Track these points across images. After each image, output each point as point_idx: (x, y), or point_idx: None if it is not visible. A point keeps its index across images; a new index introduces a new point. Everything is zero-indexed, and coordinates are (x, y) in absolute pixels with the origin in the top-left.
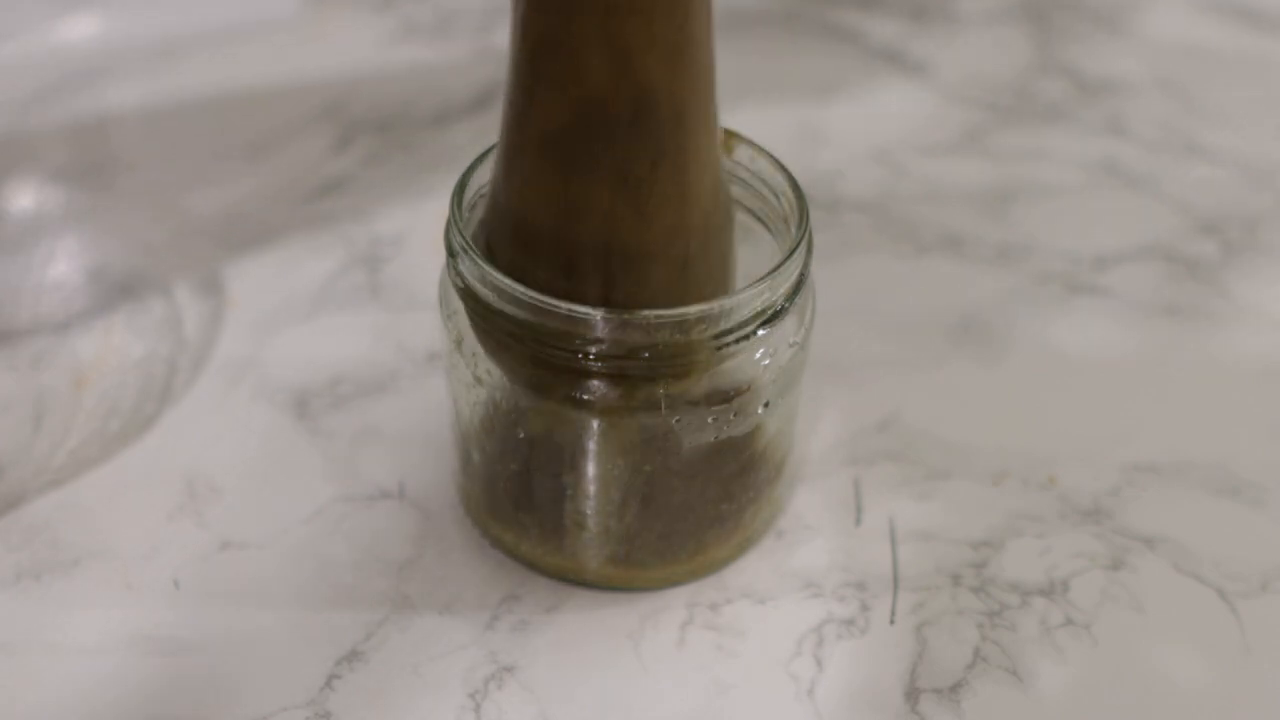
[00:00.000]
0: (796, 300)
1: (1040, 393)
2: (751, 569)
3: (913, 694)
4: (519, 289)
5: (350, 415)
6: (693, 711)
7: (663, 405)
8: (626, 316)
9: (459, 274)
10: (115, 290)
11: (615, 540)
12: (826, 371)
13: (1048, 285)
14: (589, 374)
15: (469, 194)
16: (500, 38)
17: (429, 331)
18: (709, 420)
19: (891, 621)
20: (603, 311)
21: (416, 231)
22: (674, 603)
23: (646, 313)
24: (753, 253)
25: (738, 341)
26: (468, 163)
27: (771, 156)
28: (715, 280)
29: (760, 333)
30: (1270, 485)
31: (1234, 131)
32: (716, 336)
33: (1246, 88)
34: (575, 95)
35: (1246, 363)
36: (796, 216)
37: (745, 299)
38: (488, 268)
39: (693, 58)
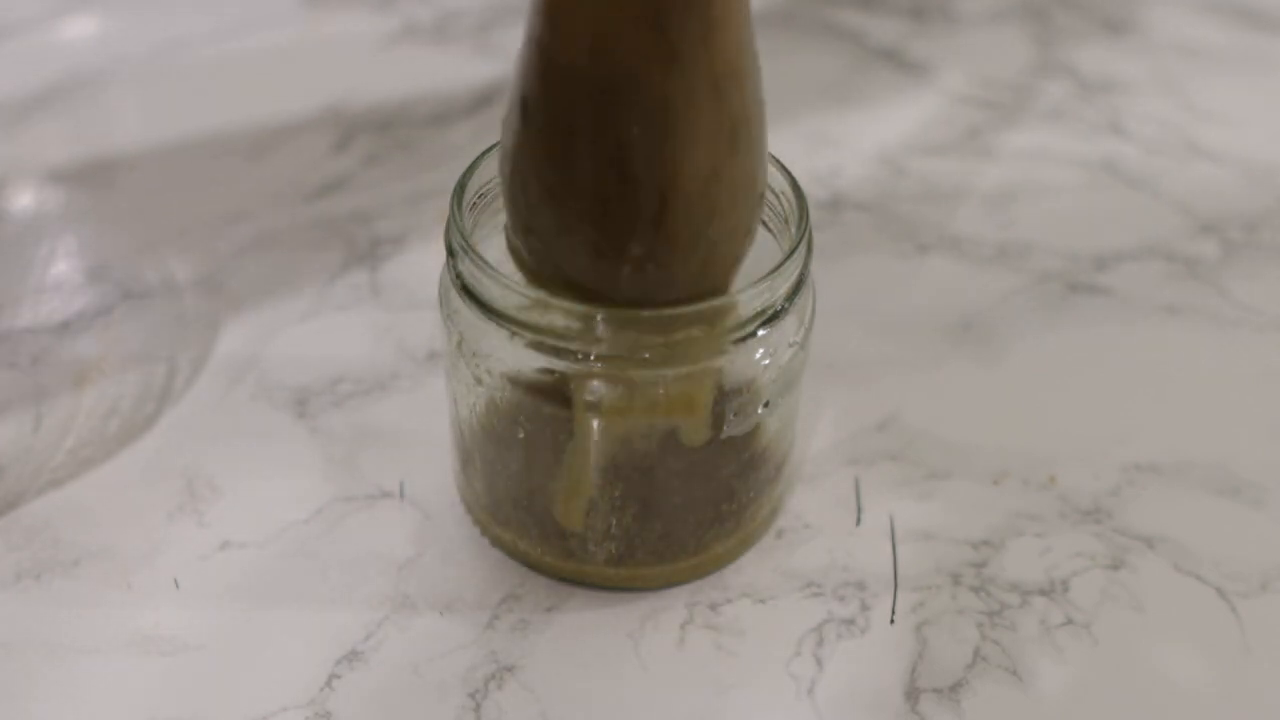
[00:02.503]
0: (796, 300)
1: (1040, 393)
2: (751, 568)
3: (913, 694)
4: (520, 287)
5: (350, 415)
6: (693, 711)
7: (664, 406)
8: (626, 316)
9: (459, 274)
10: (115, 290)
11: (615, 540)
12: (826, 371)
13: (1048, 285)
14: (589, 374)
15: (469, 194)
16: (500, 38)
17: (429, 331)
18: (709, 420)
19: (891, 621)
20: (603, 311)
21: (416, 231)
22: (674, 603)
23: (647, 312)
24: (753, 253)
25: (738, 341)
26: (468, 163)
27: (772, 157)
28: (758, 164)
29: (760, 333)
30: (1270, 485)
31: (1234, 131)
32: (717, 336)
33: (1246, 88)
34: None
35: (1246, 363)
36: (796, 216)
37: (745, 299)
38: (488, 267)
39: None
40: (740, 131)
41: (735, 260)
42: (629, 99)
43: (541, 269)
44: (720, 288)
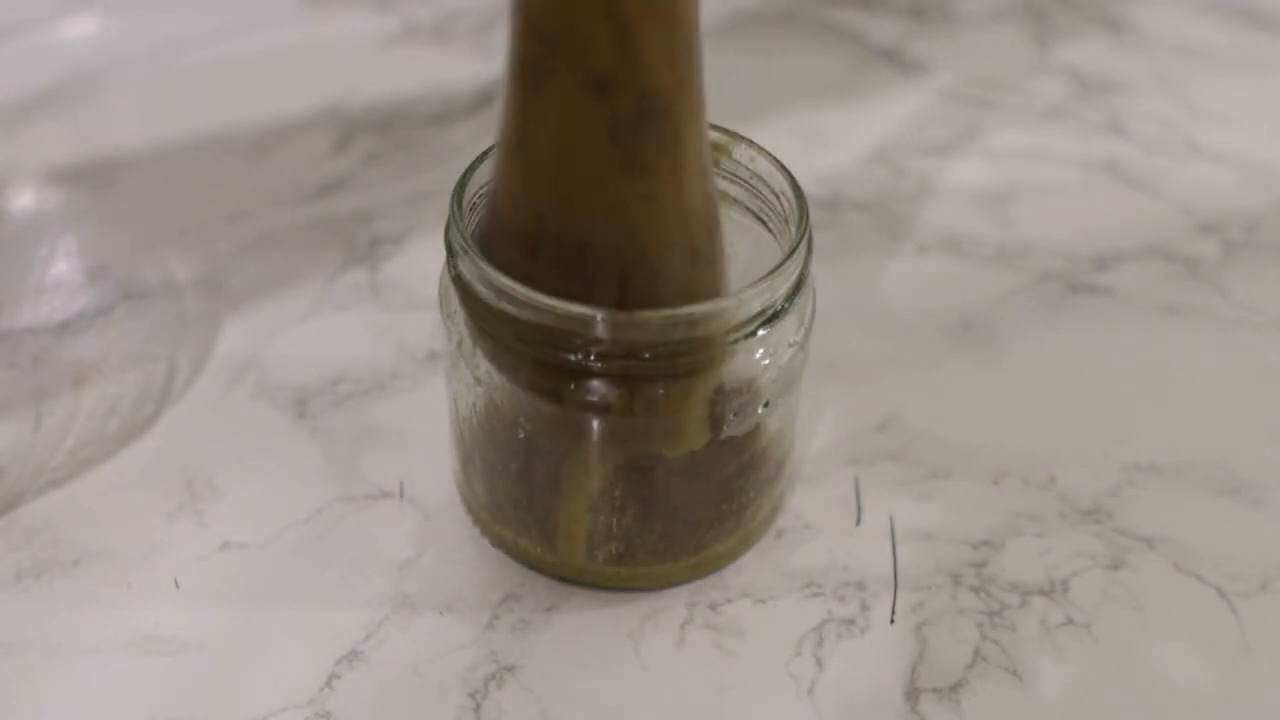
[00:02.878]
0: (796, 300)
1: (1040, 393)
2: (751, 568)
3: (913, 694)
4: (519, 289)
5: (350, 415)
6: (693, 711)
7: (663, 406)
8: (626, 316)
9: (459, 274)
10: (115, 290)
11: (615, 540)
12: (826, 371)
13: (1048, 285)
14: (589, 374)
15: (469, 194)
16: (500, 37)
17: (429, 331)
18: (709, 420)
19: (891, 621)
20: (602, 311)
21: (416, 231)
22: (674, 602)
23: (646, 313)
24: (753, 253)
25: (738, 341)
26: (468, 163)
27: (771, 156)
28: (719, 274)
29: (760, 333)
30: (1270, 485)
31: (1234, 131)
32: (717, 336)
33: (1246, 88)
34: (582, 82)
35: (1246, 363)
36: (796, 216)
37: (745, 299)
38: (488, 268)
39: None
40: (700, 250)
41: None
42: (588, 219)
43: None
44: (721, 284)
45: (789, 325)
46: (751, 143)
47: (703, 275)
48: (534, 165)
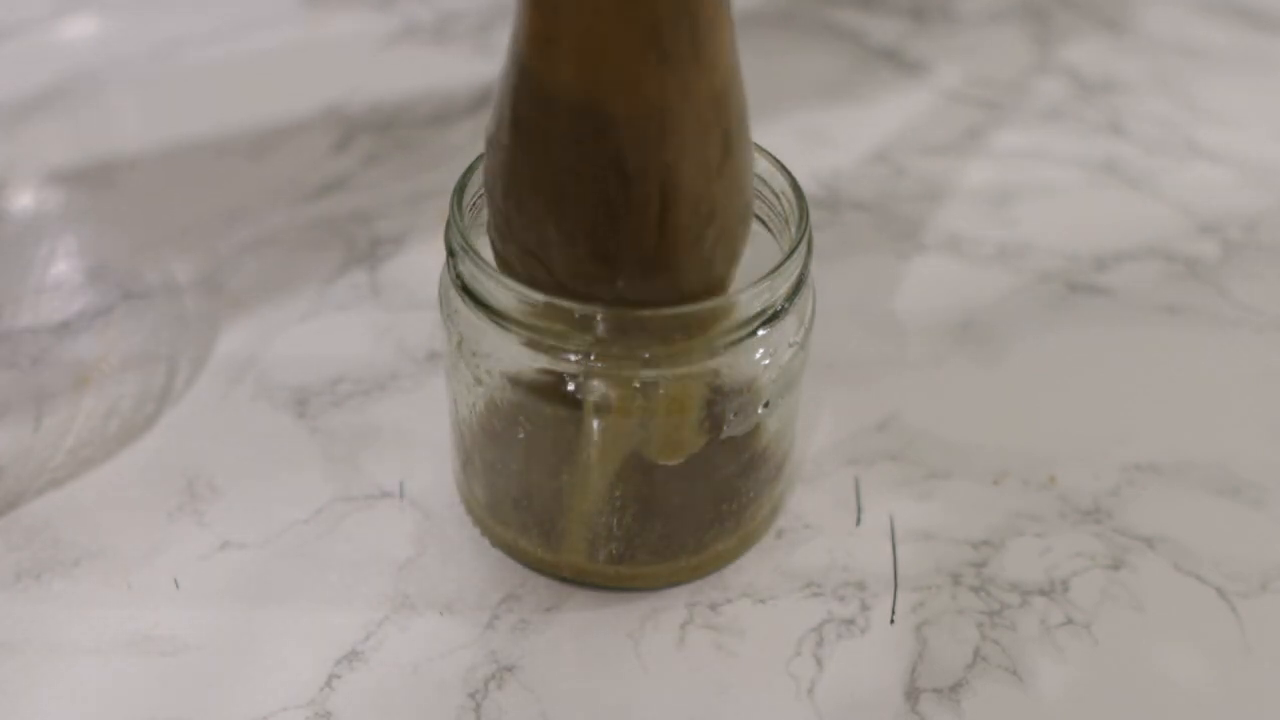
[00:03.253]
0: (796, 300)
1: (1040, 393)
2: (751, 568)
3: (913, 694)
4: (519, 288)
5: (350, 415)
6: (693, 711)
7: (663, 405)
8: (626, 316)
9: (459, 274)
10: (115, 290)
11: (615, 540)
12: (826, 371)
13: (1048, 285)
14: (589, 374)
15: (469, 194)
16: (500, 38)
17: (429, 331)
18: (709, 420)
19: (891, 621)
20: (603, 311)
21: (416, 231)
22: (674, 602)
23: (647, 313)
24: (753, 253)
25: (737, 342)
26: (468, 163)
27: (771, 156)
28: (748, 161)
29: (760, 333)
30: (1270, 485)
31: (1234, 131)
32: (717, 336)
33: (1246, 88)
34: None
35: (1246, 363)
36: (796, 216)
37: (745, 299)
38: (488, 267)
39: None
40: (733, 135)
41: (732, 262)
42: (625, 113)
43: (535, 280)
44: (719, 289)
45: (789, 325)
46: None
47: (734, 162)
48: (567, 57)
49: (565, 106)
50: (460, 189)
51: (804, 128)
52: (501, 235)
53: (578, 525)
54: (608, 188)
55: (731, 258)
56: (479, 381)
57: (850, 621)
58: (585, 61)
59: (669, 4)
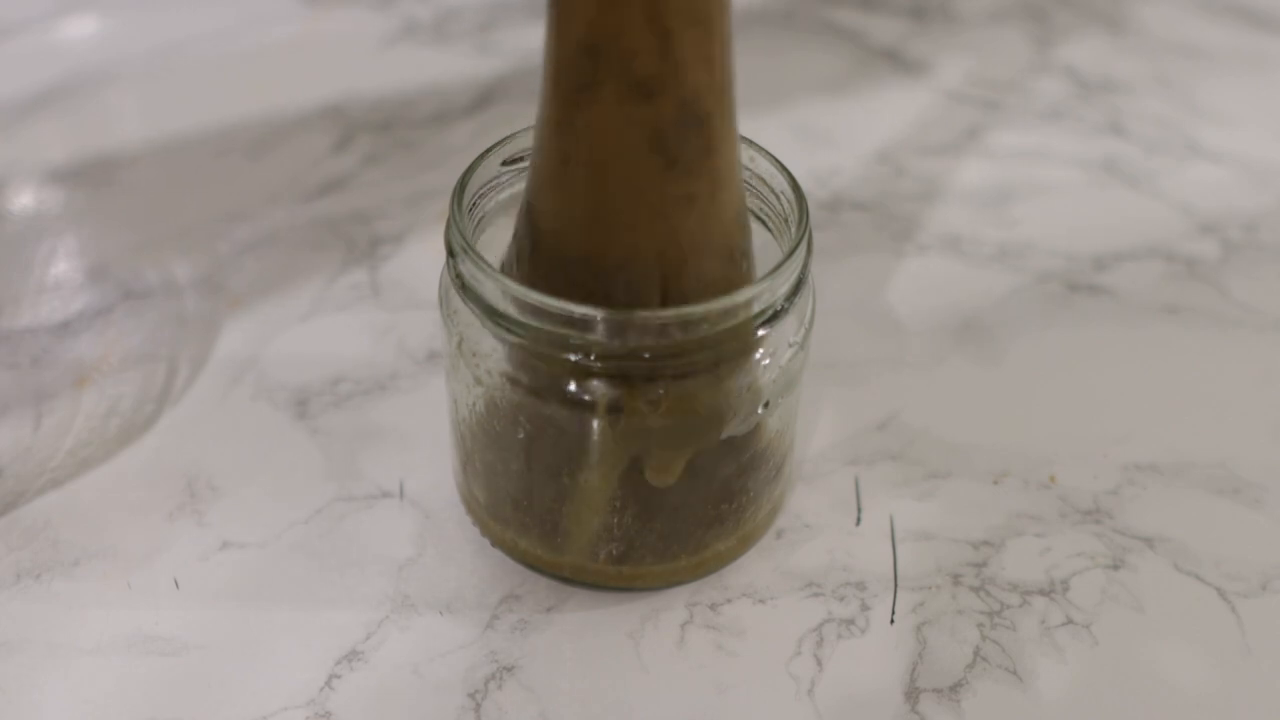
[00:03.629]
0: (796, 300)
1: (1040, 393)
2: (751, 568)
3: (913, 694)
4: (519, 288)
5: (350, 415)
6: (693, 711)
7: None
8: (626, 316)
9: (459, 274)
10: (115, 290)
11: (615, 540)
12: (826, 371)
13: (1048, 285)
14: (589, 374)
15: (469, 194)
16: (500, 38)
17: (429, 331)
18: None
19: (891, 621)
20: (603, 311)
21: (416, 231)
22: (674, 602)
23: (647, 313)
24: (752, 253)
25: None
26: (468, 163)
27: (771, 156)
28: (752, 274)
29: (760, 333)
30: (1270, 485)
31: (1234, 131)
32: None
33: (1246, 88)
34: (626, 90)
35: (1246, 363)
36: (796, 216)
37: (745, 299)
38: (488, 267)
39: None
40: (738, 259)
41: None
42: (645, 246)
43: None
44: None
45: (789, 325)
46: (751, 142)
47: (739, 276)
48: (577, 177)
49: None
50: (460, 189)
51: (804, 128)
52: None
53: (581, 526)
54: (614, 289)
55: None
56: (479, 381)
57: (850, 621)
58: (594, 181)
59: (673, 115)
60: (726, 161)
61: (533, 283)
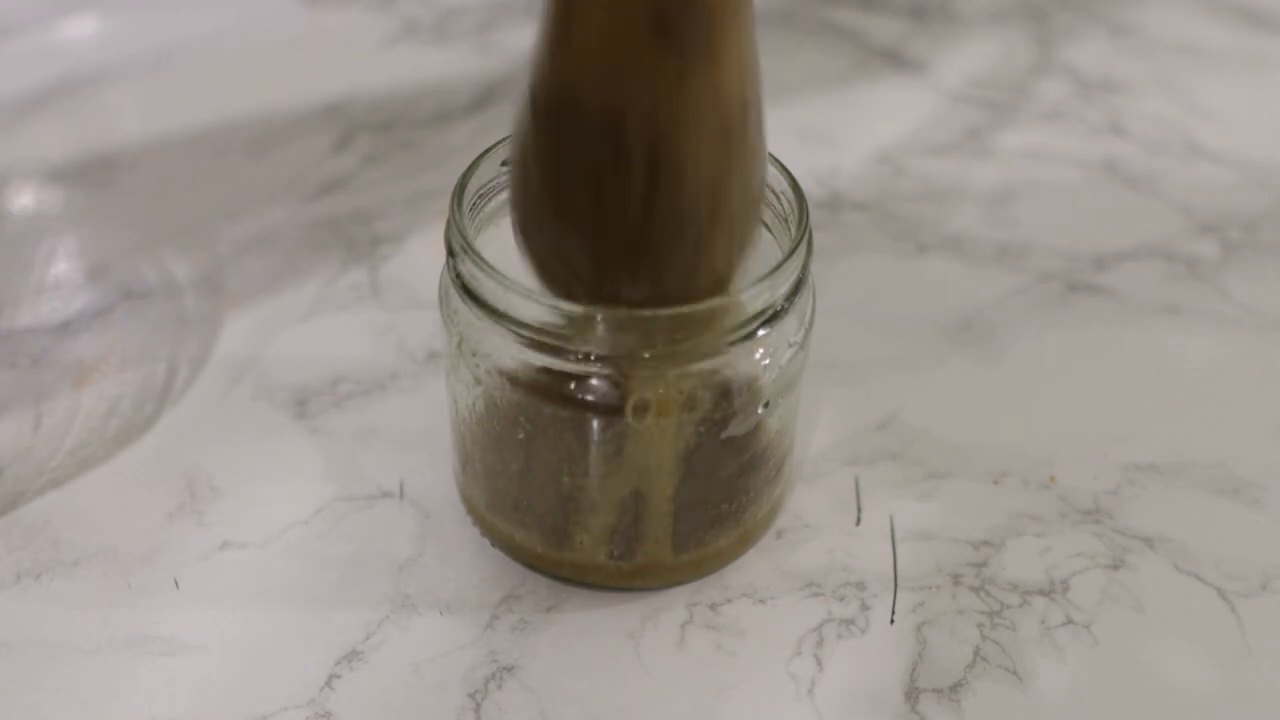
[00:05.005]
0: (796, 300)
1: (1040, 393)
2: (751, 568)
3: (913, 694)
4: (519, 287)
5: (350, 415)
6: (693, 711)
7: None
8: (627, 316)
9: (459, 274)
10: (115, 290)
11: (616, 540)
12: (826, 371)
13: (1048, 285)
14: (589, 374)
15: (469, 194)
16: (500, 38)
17: (429, 331)
18: (709, 420)
19: (891, 621)
20: (603, 311)
21: (416, 231)
22: (674, 602)
23: (647, 313)
24: (752, 253)
25: (738, 342)
26: (468, 163)
27: (772, 156)
28: (755, 158)
29: (760, 333)
30: (1270, 485)
31: (1234, 131)
32: (717, 336)
33: (1246, 88)
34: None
35: (1246, 363)
36: (796, 216)
37: (745, 299)
38: (488, 267)
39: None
40: (734, 134)
41: (733, 261)
42: (632, 111)
43: (544, 270)
44: (719, 287)
45: (789, 325)
46: None
47: (739, 161)
48: (576, 40)
49: (577, 96)
50: (460, 189)
51: (804, 128)
52: (515, 219)
53: (577, 525)
54: (604, 173)
55: (733, 256)
56: (479, 381)
57: (850, 621)
58: (600, 59)
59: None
60: (730, 47)
61: (529, 163)
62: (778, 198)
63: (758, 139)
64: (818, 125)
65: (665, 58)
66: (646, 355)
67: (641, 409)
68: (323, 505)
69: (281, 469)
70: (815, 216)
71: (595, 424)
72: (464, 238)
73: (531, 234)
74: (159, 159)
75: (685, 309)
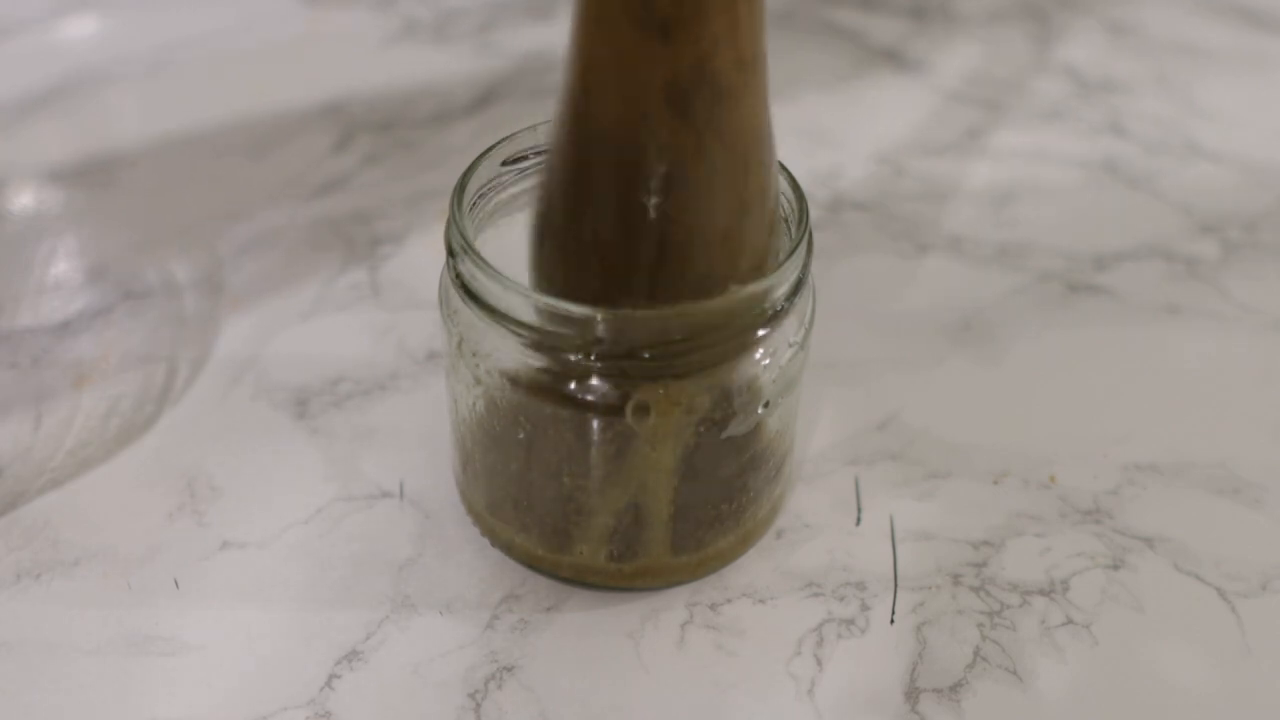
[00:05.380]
0: (796, 300)
1: (1040, 393)
2: (752, 569)
3: (913, 694)
4: (519, 287)
5: (350, 415)
6: (693, 711)
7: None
8: (627, 316)
9: (459, 274)
10: (115, 290)
11: (615, 540)
12: (826, 371)
13: (1048, 285)
14: (589, 374)
15: (469, 194)
16: (500, 38)
17: (429, 331)
18: (709, 420)
19: (891, 621)
20: (603, 311)
21: (416, 231)
22: (674, 603)
23: (647, 312)
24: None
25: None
26: (468, 163)
27: None
28: (768, 240)
29: (760, 333)
30: (1270, 485)
31: (1234, 131)
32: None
33: (1246, 88)
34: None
35: (1246, 363)
36: (797, 217)
37: (745, 299)
38: (488, 267)
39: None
40: (751, 201)
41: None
42: (647, 169)
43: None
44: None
45: (789, 325)
46: None
47: (750, 222)
48: (594, 110)
49: (597, 148)
50: (460, 189)
51: (804, 128)
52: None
53: (577, 525)
54: (611, 223)
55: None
56: (479, 381)
57: (850, 621)
58: (610, 99)
59: (688, 71)
60: (739, 118)
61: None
62: (778, 197)
63: (770, 203)
64: (818, 125)
65: (680, 134)
66: (646, 355)
67: (642, 410)
68: (323, 505)
69: (281, 469)
70: (815, 216)
71: (595, 424)
72: (464, 238)
73: (545, 265)
74: (159, 159)
75: (685, 309)
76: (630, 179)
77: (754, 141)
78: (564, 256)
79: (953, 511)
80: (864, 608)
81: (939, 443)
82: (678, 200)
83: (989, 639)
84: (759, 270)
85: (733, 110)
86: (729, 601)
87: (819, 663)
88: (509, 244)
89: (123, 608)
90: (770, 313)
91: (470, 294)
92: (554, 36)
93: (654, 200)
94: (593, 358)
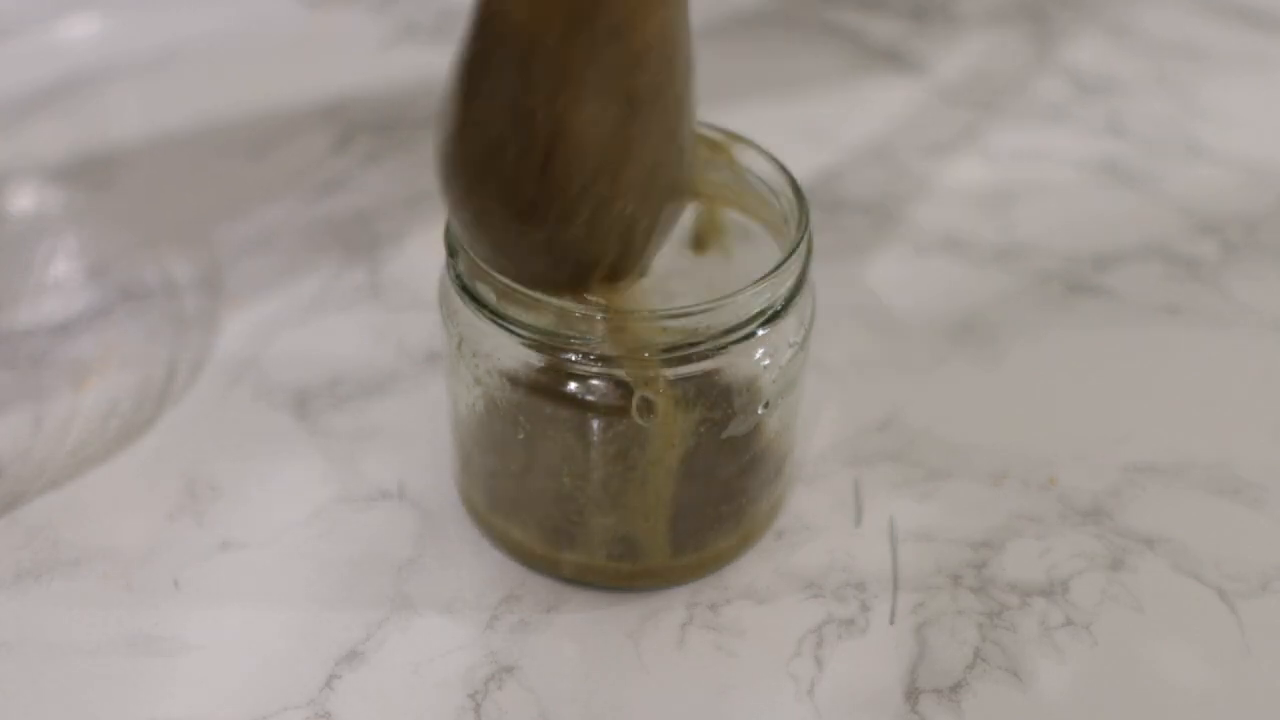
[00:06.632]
0: (796, 300)
1: (1040, 393)
2: (752, 569)
3: (913, 694)
4: (519, 287)
5: (350, 415)
6: (693, 711)
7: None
8: (626, 315)
9: (459, 274)
10: (115, 290)
11: (615, 540)
12: (826, 371)
13: (1048, 286)
14: (589, 374)
15: None
16: None
17: (429, 331)
18: (709, 420)
19: (891, 621)
20: (603, 311)
21: (416, 231)
22: (674, 603)
23: (645, 311)
24: (753, 253)
25: (738, 342)
26: None
27: (772, 157)
28: (664, 132)
29: (760, 333)
30: (1270, 485)
31: (1234, 131)
32: (717, 336)
33: (1246, 88)
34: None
35: (1246, 363)
36: (797, 217)
37: (745, 299)
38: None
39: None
40: (641, 100)
41: (641, 230)
42: (532, 48)
43: (464, 233)
44: (622, 270)
45: (789, 325)
46: (751, 143)
47: (638, 129)
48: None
49: (491, 34)
50: None
51: (805, 127)
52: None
53: (577, 525)
54: (503, 126)
55: (629, 234)
56: (479, 381)
57: (850, 622)
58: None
59: None
60: (644, 26)
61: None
62: (778, 198)
63: (676, 112)
64: (818, 125)
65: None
66: (646, 354)
67: (645, 408)
68: (322, 505)
69: (281, 469)
70: (815, 217)
71: (595, 424)
72: None
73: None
74: (159, 159)
75: (684, 308)
76: (513, 63)
77: (656, 40)
78: (459, 149)
79: (953, 512)
80: (864, 608)
81: (939, 443)
82: (567, 107)
83: (989, 639)
84: (675, 190)
85: (643, 16)
86: (729, 602)
87: (819, 663)
88: None
89: (123, 608)
90: (770, 313)
91: (470, 294)
92: None
93: (533, 82)
94: (593, 357)
